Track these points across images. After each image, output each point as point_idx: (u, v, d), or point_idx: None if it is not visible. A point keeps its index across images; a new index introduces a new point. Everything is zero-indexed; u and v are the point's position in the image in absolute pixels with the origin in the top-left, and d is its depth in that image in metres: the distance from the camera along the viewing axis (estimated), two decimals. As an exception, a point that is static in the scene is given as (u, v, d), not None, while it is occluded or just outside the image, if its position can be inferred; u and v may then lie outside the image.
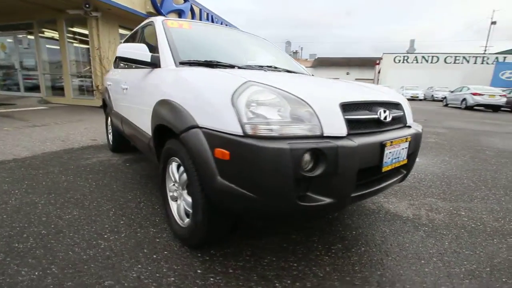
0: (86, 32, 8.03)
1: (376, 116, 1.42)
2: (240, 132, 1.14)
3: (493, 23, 32.00)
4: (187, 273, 1.38)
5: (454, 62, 25.40)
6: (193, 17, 10.30)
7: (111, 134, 3.68)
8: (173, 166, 1.67)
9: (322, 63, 42.12)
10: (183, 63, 1.84)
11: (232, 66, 1.97)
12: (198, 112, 1.32)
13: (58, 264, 1.41)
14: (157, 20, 2.26)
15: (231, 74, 1.37)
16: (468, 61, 25.11)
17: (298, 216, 1.31)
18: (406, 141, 1.51)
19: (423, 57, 26.85)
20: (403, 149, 1.50)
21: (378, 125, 1.43)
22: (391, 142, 1.39)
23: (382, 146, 1.33)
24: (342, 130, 1.24)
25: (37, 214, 1.95)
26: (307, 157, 1.11)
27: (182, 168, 1.55)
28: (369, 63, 37.80)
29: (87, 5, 7.05)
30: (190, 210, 1.50)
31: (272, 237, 1.74)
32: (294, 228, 1.86)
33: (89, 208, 2.07)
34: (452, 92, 16.43)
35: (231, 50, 2.40)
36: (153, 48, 2.10)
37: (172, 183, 1.69)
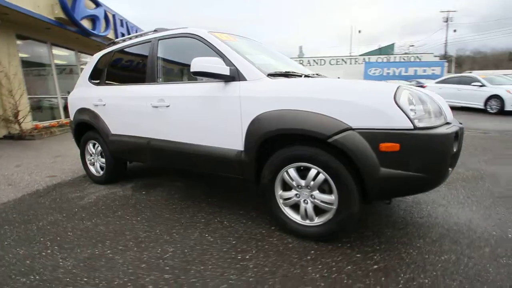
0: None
1: None
2: (410, 126, 1.40)
3: (359, 31, 41.20)
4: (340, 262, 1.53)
5: (336, 64, 31.16)
6: (107, 24, 9.11)
7: (95, 163, 3.10)
8: (291, 172, 1.74)
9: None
10: (271, 75, 1.91)
11: (299, 75, 2.14)
12: (349, 116, 1.50)
13: None
14: (204, 33, 2.17)
15: (379, 82, 1.60)
16: (345, 62, 31.29)
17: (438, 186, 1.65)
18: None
19: (314, 60, 31.72)
20: None
21: None
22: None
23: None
24: (450, 117, 1.67)
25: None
26: (454, 138, 1.48)
27: (313, 171, 1.66)
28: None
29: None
30: (332, 207, 1.63)
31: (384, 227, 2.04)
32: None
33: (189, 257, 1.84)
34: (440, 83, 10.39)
35: (275, 60, 2.52)
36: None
37: (295, 187, 1.75)
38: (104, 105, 2.79)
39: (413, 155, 1.42)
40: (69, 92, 3.46)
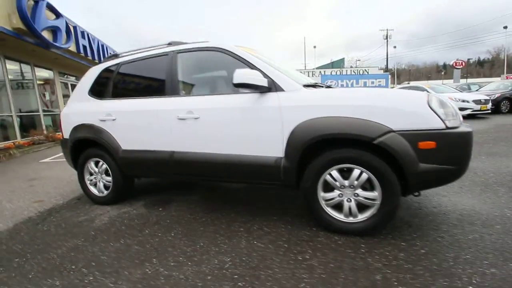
0: None
1: None
2: (443, 126, 1.66)
3: (314, 47, 45.00)
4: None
5: (298, 76, 33.29)
6: (68, 35, 8.49)
7: (98, 183, 2.89)
8: (334, 173, 1.89)
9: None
10: (305, 86, 2.07)
11: (321, 86, 2.35)
12: (391, 120, 1.71)
13: None
14: (232, 47, 2.25)
15: (409, 90, 1.84)
16: (308, 75, 33.49)
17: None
18: None
19: (274, 73, 33.40)
20: None
21: None
22: None
23: None
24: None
25: None
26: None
27: (356, 171, 1.83)
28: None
29: None
30: (376, 202, 1.81)
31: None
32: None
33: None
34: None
35: (293, 72, 2.67)
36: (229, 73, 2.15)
37: (339, 187, 1.90)
38: (114, 119, 2.65)
39: (446, 150, 1.68)
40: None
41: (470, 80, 34.55)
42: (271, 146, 2.04)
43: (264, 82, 1.99)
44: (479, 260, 1.56)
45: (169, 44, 2.65)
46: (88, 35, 9.87)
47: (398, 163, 1.72)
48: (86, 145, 2.91)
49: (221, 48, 2.30)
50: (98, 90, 2.88)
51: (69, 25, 8.50)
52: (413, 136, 1.69)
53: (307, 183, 1.97)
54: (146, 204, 2.84)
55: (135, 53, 2.80)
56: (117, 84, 2.81)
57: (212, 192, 3.12)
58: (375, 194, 1.82)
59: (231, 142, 2.17)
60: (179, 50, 2.49)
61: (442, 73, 69.13)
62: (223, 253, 1.82)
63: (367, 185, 1.85)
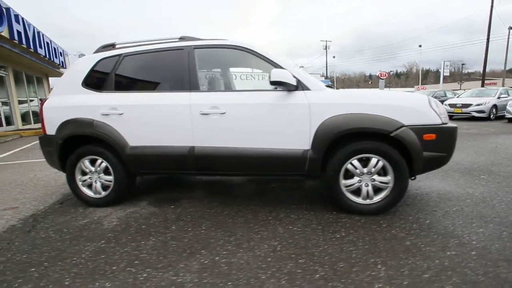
0: None
1: None
2: (440, 122, 2.11)
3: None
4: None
5: (246, 79, 33.86)
6: (1, 19, 7.17)
7: (94, 183, 2.66)
8: (355, 162, 2.19)
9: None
10: (328, 86, 2.33)
11: (330, 87, 2.65)
12: (402, 116, 2.08)
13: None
14: (255, 46, 2.38)
15: (411, 93, 2.23)
16: (254, 78, 34.37)
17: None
18: None
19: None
20: None
21: None
22: None
23: None
24: None
25: None
26: (456, 129, 2.29)
27: (374, 160, 2.16)
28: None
29: None
30: (388, 185, 2.17)
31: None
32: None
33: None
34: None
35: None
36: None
37: (359, 174, 2.20)
38: (120, 114, 2.48)
39: (442, 141, 2.13)
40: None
41: (407, 89, 40.73)
42: (298, 140, 2.24)
43: (294, 81, 2.18)
44: (469, 224, 2.04)
45: (181, 38, 2.62)
46: (22, 19, 8.46)
47: (408, 152, 2.11)
48: (79, 142, 2.64)
49: (243, 47, 2.40)
50: (96, 82, 2.65)
51: (1, 7, 7.19)
52: (419, 130, 2.10)
53: (332, 172, 2.23)
54: (152, 203, 2.72)
55: (138, 45, 2.67)
56: (121, 76, 2.63)
57: (214, 188, 3.15)
58: (388, 178, 2.18)
59: (260, 136, 2.29)
60: (196, 45, 2.49)
61: (369, 82, 78.94)
62: (267, 238, 1.94)
63: (381, 171, 2.21)
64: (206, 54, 2.50)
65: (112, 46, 2.78)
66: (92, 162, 2.66)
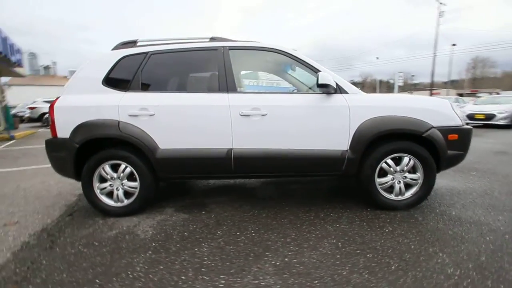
0: None
1: None
2: (461, 124, 2.37)
3: None
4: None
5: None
6: None
7: (116, 191, 2.45)
8: (389, 161, 2.35)
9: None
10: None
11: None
12: (431, 119, 2.30)
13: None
14: (293, 50, 2.44)
15: (436, 97, 2.46)
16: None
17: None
18: None
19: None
20: None
21: None
22: None
23: None
24: None
25: None
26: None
27: (406, 159, 2.35)
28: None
29: None
30: (418, 181, 2.37)
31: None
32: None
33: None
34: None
35: None
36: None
37: (392, 172, 2.37)
38: (152, 115, 2.33)
39: (462, 141, 2.40)
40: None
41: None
42: (338, 140, 2.34)
43: (334, 84, 2.29)
44: (488, 213, 2.32)
45: (212, 39, 2.57)
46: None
47: (437, 151, 2.33)
48: (97, 147, 2.42)
49: (281, 51, 2.44)
50: (119, 80, 2.45)
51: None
52: (445, 131, 2.34)
53: (368, 171, 2.36)
54: (180, 210, 2.59)
55: (165, 44, 2.55)
56: (148, 75, 2.47)
57: (235, 192, 3.09)
58: (418, 175, 2.39)
59: (301, 137, 2.34)
60: (231, 46, 2.47)
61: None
62: (323, 237, 1.99)
63: (411, 169, 2.40)
64: (243, 56, 2.49)
65: (133, 43, 2.61)
66: (113, 168, 2.45)
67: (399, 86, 28.46)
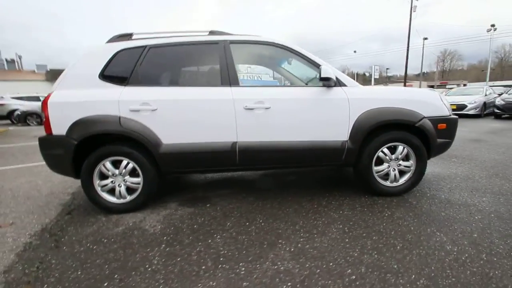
0: None
1: None
2: (448, 114, 2.56)
3: None
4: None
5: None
6: None
7: (118, 187, 2.41)
8: (385, 150, 2.50)
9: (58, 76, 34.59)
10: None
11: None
12: (423, 109, 2.46)
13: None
14: (294, 45, 2.48)
15: (425, 88, 2.62)
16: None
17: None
18: None
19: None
20: None
21: None
22: None
23: None
24: None
25: None
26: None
27: (400, 147, 2.50)
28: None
29: None
30: (411, 168, 2.54)
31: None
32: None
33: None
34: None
35: None
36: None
37: (389, 161, 2.51)
38: (154, 110, 2.30)
39: (449, 130, 2.59)
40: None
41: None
42: (338, 131, 2.44)
43: (334, 77, 2.37)
44: (473, 195, 2.54)
45: (211, 32, 2.56)
46: None
47: (427, 139, 2.50)
48: (95, 143, 2.35)
49: (281, 45, 2.48)
50: (117, 74, 2.38)
51: None
52: (435, 121, 2.51)
53: (366, 160, 2.49)
54: (184, 204, 2.60)
55: (163, 37, 2.50)
56: (148, 69, 2.42)
57: (236, 184, 3.13)
58: (410, 162, 2.55)
59: (303, 129, 2.41)
60: (232, 40, 2.47)
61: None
62: (330, 223, 2.09)
63: (404, 157, 2.56)
64: (244, 50, 2.50)
65: (129, 36, 2.53)
66: (115, 164, 2.39)
67: (375, 79, 29.48)
